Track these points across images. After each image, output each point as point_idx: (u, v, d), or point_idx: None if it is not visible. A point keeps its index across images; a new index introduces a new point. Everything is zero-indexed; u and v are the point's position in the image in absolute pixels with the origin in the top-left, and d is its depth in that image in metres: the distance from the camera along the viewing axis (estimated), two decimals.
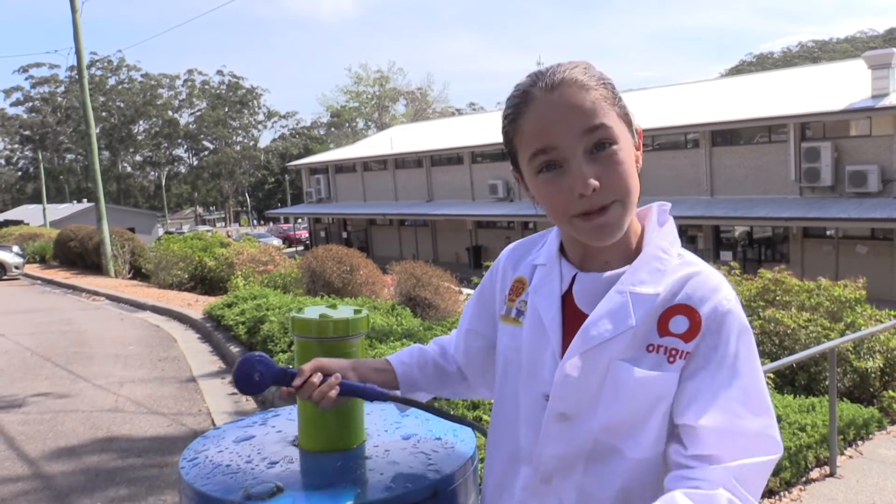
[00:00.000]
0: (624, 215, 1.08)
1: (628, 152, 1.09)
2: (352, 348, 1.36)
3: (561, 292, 1.17)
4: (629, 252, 1.16)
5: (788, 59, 74.03)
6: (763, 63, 75.90)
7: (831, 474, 4.64)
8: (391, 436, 1.43)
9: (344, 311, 1.39)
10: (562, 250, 1.22)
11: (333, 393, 1.20)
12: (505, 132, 1.15)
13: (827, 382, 5.13)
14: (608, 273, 1.14)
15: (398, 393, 1.33)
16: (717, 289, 1.10)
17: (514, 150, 1.14)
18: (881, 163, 19.47)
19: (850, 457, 5.01)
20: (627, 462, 1.09)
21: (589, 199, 1.05)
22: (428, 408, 1.31)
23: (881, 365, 6.04)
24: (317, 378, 1.20)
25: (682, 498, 0.96)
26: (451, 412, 1.35)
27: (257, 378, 1.22)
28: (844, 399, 5.81)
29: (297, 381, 1.21)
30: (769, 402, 1.07)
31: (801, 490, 4.41)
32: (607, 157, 1.06)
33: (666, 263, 1.12)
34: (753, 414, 1.04)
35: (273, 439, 1.42)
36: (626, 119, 1.12)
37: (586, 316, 1.12)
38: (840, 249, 20.39)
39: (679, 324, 1.08)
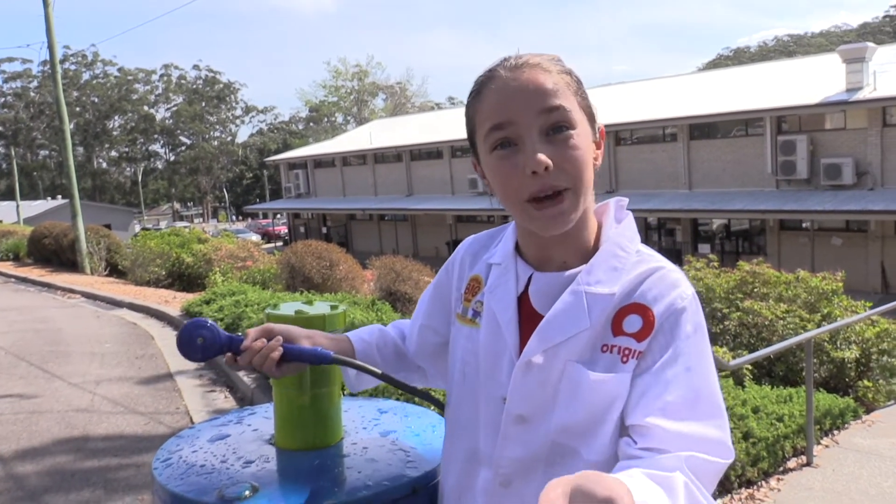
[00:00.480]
0: (576, 204, 1.07)
1: (586, 142, 1.08)
2: None
3: (517, 293, 1.15)
4: (586, 250, 1.14)
5: (765, 53, 74.72)
6: (740, 57, 76.56)
7: (808, 464, 4.69)
8: (369, 433, 1.41)
9: (320, 306, 1.37)
10: (518, 249, 1.19)
11: (275, 355, 1.16)
12: (467, 109, 1.14)
13: (804, 373, 5.17)
14: (564, 273, 1.12)
15: (352, 373, 1.30)
16: (674, 286, 1.08)
17: (473, 128, 1.13)
18: (855, 156, 19.73)
19: (827, 446, 5.07)
20: (585, 464, 1.07)
21: (541, 179, 1.04)
22: (376, 373, 1.26)
23: (857, 355, 6.13)
24: (260, 343, 1.17)
25: (640, 474, 0.92)
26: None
27: (200, 343, 1.18)
28: (821, 389, 5.88)
29: (245, 346, 1.17)
30: (721, 403, 1.05)
31: (778, 479, 4.46)
32: (563, 141, 1.05)
33: (623, 261, 1.11)
34: (704, 416, 1.02)
35: (249, 438, 1.40)
36: (588, 112, 1.11)
37: (542, 317, 1.10)
38: (816, 241, 20.65)
39: (632, 323, 1.06)
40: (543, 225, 1.07)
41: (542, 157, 1.02)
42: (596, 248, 1.14)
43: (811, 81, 22.44)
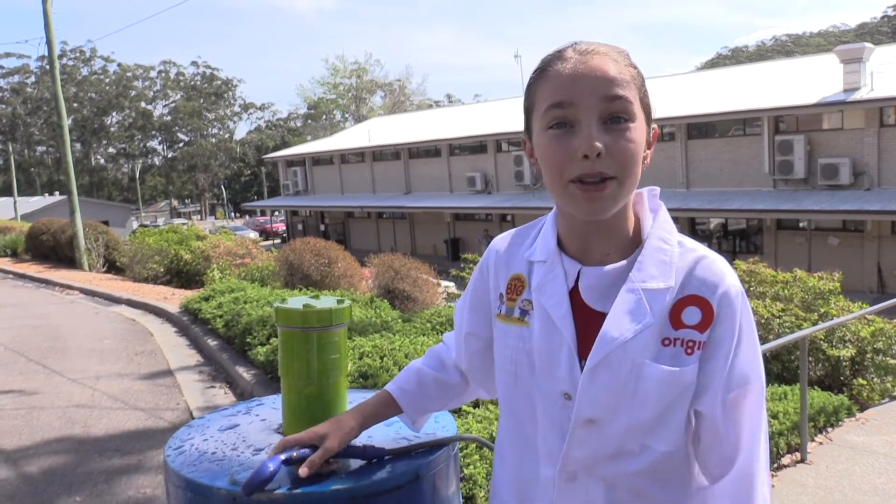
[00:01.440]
0: (619, 195, 1.08)
1: (640, 137, 1.10)
2: (335, 337, 1.37)
3: (568, 289, 1.16)
4: (627, 242, 1.16)
5: (763, 53, 74.79)
6: (738, 56, 76.62)
7: (802, 460, 4.74)
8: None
9: (327, 301, 1.41)
10: (559, 244, 1.20)
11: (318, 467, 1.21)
12: (529, 86, 1.16)
13: (800, 371, 5.23)
14: (611, 266, 1.14)
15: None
16: (724, 274, 1.11)
17: (532, 103, 1.14)
18: (852, 156, 19.80)
19: (821, 443, 5.12)
20: (654, 454, 1.11)
21: (591, 163, 1.05)
22: (427, 444, 1.35)
23: (852, 354, 6.18)
24: (304, 472, 1.20)
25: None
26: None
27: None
28: (815, 387, 5.93)
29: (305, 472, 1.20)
30: (763, 374, 1.14)
31: (772, 475, 4.51)
32: (620, 132, 1.07)
33: (670, 254, 1.13)
34: (754, 392, 1.12)
35: (257, 427, 1.44)
36: (647, 111, 1.14)
37: (595, 311, 1.13)
38: (812, 241, 20.71)
39: (692, 315, 1.09)
40: (584, 208, 1.08)
41: (596, 143, 1.04)
42: (635, 239, 1.16)
43: (809, 81, 22.50)
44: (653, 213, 1.18)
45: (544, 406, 1.16)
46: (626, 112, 1.07)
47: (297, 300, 1.40)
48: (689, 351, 1.09)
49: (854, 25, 77.20)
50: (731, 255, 20.23)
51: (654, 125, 1.16)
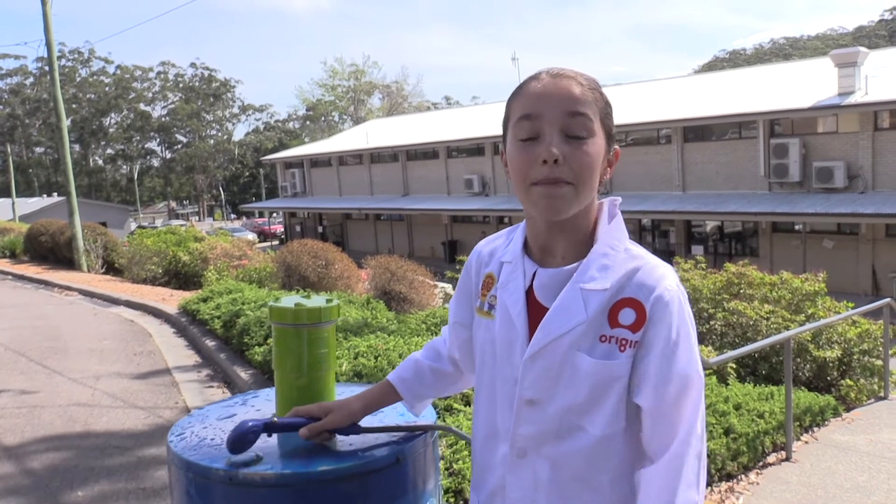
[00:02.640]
0: (574, 200, 1.22)
1: (597, 152, 1.24)
2: (324, 333, 1.49)
3: (525, 288, 1.30)
4: (583, 246, 1.29)
5: (761, 56, 75.05)
6: (736, 59, 76.87)
7: (787, 459, 4.84)
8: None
9: (317, 300, 1.52)
10: (526, 248, 1.35)
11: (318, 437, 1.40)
12: (508, 102, 1.30)
13: (785, 371, 5.34)
14: (562, 268, 1.27)
15: (407, 407, 1.53)
16: (661, 279, 1.24)
17: (507, 117, 1.29)
18: (847, 159, 19.94)
19: (806, 442, 5.23)
20: (590, 437, 1.24)
21: (549, 168, 1.19)
22: (411, 428, 1.48)
23: (839, 355, 6.29)
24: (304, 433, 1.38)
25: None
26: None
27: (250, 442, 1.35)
28: (802, 388, 6.04)
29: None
30: (700, 371, 1.25)
31: (757, 473, 4.62)
32: (578, 144, 1.21)
33: (613, 259, 1.26)
34: (690, 388, 1.23)
35: (252, 416, 1.55)
36: (608, 131, 1.28)
37: (546, 309, 1.26)
38: (808, 244, 20.85)
39: (627, 316, 1.22)
40: (542, 207, 1.21)
41: (554, 150, 1.18)
42: (590, 244, 1.29)
43: (804, 85, 22.64)
44: (609, 221, 1.31)
45: (502, 389, 1.31)
46: (585, 128, 1.22)
47: (289, 299, 1.51)
48: (621, 348, 1.22)
49: (851, 29, 77.50)
50: (728, 258, 20.36)
51: (615, 147, 1.31)
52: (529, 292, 1.30)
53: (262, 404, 1.63)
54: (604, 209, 1.32)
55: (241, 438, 1.29)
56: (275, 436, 1.43)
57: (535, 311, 1.28)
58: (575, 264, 1.27)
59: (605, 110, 1.27)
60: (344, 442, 1.41)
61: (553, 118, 1.21)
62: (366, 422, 1.46)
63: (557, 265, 1.29)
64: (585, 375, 1.22)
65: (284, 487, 1.27)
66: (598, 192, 1.29)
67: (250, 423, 1.31)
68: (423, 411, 1.55)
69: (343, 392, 1.63)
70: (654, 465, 1.23)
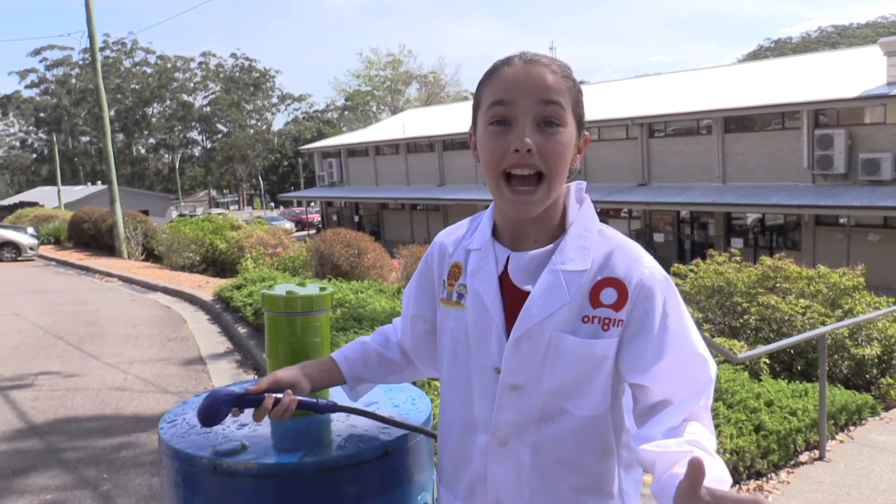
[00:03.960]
0: (547, 194, 1.21)
1: (569, 141, 1.21)
2: (317, 322, 1.46)
3: (498, 273, 1.27)
4: (553, 230, 1.27)
5: (807, 45, 73.12)
6: (781, 48, 75.06)
7: (820, 458, 4.71)
8: (353, 403, 1.53)
9: (311, 288, 1.50)
10: (495, 234, 1.32)
11: (292, 408, 1.29)
12: (478, 85, 1.28)
13: (819, 368, 5.19)
14: (537, 251, 1.25)
15: (346, 389, 1.45)
16: (639, 259, 1.22)
17: (479, 101, 1.27)
18: (895, 151, 19.33)
19: (841, 441, 5.08)
20: (575, 420, 1.22)
21: (521, 156, 1.17)
22: (371, 415, 1.40)
23: (878, 352, 6.10)
24: (270, 402, 1.28)
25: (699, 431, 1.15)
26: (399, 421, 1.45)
27: (223, 413, 1.28)
28: (839, 385, 5.87)
29: (255, 411, 1.28)
30: (701, 344, 1.22)
31: (789, 472, 4.50)
32: (551, 134, 1.19)
33: (589, 240, 1.24)
34: (689, 360, 1.20)
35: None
36: (579, 119, 1.25)
37: (523, 292, 1.23)
38: (852, 238, 20.29)
39: (609, 295, 1.21)
40: (513, 206, 1.21)
41: (528, 139, 1.17)
42: (561, 227, 1.28)
43: (851, 74, 21.99)
44: (578, 205, 1.30)
45: (479, 379, 1.28)
46: (558, 117, 1.20)
47: (282, 287, 1.49)
48: (605, 327, 1.21)
49: None
50: (768, 251, 19.89)
51: (585, 133, 1.28)
52: (503, 278, 1.28)
53: (231, 388, 1.61)
54: (571, 193, 1.31)
55: (212, 408, 1.25)
56: (265, 425, 1.41)
57: (510, 297, 1.26)
58: (551, 246, 1.26)
59: (577, 98, 1.25)
60: (333, 433, 1.39)
61: (526, 106, 1.19)
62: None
63: (531, 248, 1.27)
64: (571, 356, 1.21)
65: (268, 478, 1.25)
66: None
67: (223, 394, 1.27)
68: (361, 396, 1.49)
69: None
70: (648, 423, 1.19)
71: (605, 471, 1.24)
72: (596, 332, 1.20)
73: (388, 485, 1.34)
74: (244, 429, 1.39)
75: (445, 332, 1.35)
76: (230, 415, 1.28)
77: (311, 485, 1.26)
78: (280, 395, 1.28)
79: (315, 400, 1.33)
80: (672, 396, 1.18)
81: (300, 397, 1.32)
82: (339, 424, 1.42)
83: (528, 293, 1.23)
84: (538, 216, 1.24)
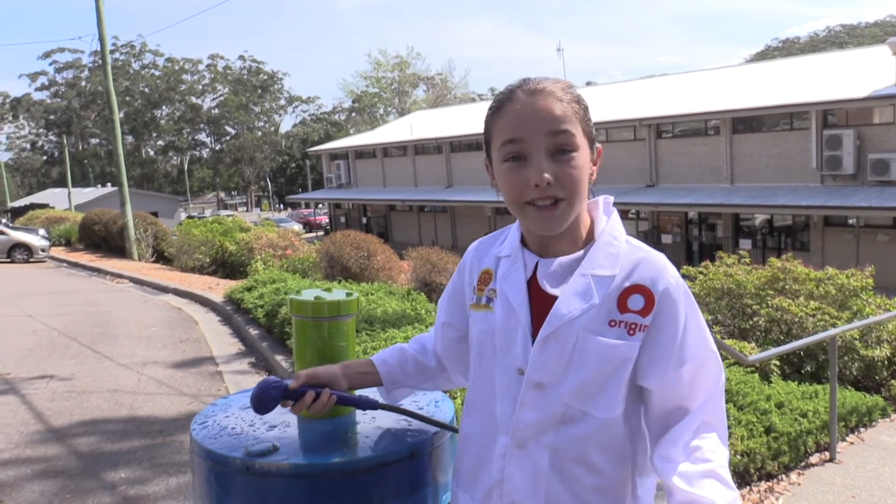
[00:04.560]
0: (569, 212, 1.26)
1: (584, 162, 1.27)
2: (344, 326, 1.51)
3: (526, 278, 1.33)
4: (580, 241, 1.33)
5: (815, 44, 72.84)
6: (789, 48, 74.78)
7: (831, 459, 4.72)
8: None
9: (337, 293, 1.54)
10: (523, 243, 1.37)
11: (326, 409, 1.36)
12: (487, 120, 1.33)
13: (830, 370, 5.20)
14: (567, 257, 1.31)
15: (383, 392, 1.52)
16: (665, 269, 1.28)
17: (490, 137, 1.32)
18: None
19: (852, 443, 5.09)
20: (595, 422, 1.26)
21: (541, 190, 1.23)
22: (408, 412, 1.47)
23: (888, 354, 6.10)
24: (309, 398, 1.36)
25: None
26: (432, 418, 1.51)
27: (272, 401, 1.36)
28: (849, 387, 5.88)
29: (294, 405, 1.36)
30: (713, 347, 1.30)
31: (799, 474, 4.51)
32: (565, 161, 1.24)
33: (618, 248, 1.30)
34: (706, 370, 1.27)
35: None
36: (590, 136, 1.30)
37: (550, 296, 1.29)
38: (861, 238, 20.22)
39: (636, 301, 1.26)
40: (539, 225, 1.27)
41: (545, 175, 1.22)
42: (588, 238, 1.33)
43: (860, 74, 21.92)
44: (606, 217, 1.35)
45: (502, 380, 1.33)
46: (570, 144, 1.25)
47: (310, 292, 1.54)
48: (631, 332, 1.26)
49: None
50: (777, 252, 19.86)
51: (597, 146, 1.33)
52: (532, 283, 1.33)
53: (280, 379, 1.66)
54: (599, 206, 1.37)
55: (263, 395, 1.31)
56: (293, 427, 1.46)
57: (537, 300, 1.31)
58: (580, 252, 1.31)
59: (585, 117, 1.30)
60: (360, 434, 1.43)
61: (538, 141, 1.24)
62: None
63: (559, 255, 1.33)
64: (595, 357, 1.26)
65: (299, 478, 1.29)
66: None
67: (273, 381, 1.33)
68: (398, 401, 1.54)
69: None
70: (670, 434, 1.26)
71: (620, 475, 1.28)
72: (622, 335, 1.25)
73: (415, 485, 1.38)
74: (274, 430, 1.43)
75: (474, 335, 1.40)
76: (280, 405, 1.34)
77: (340, 485, 1.30)
78: (320, 391, 1.34)
79: (357, 397, 1.38)
80: (689, 403, 1.25)
81: (342, 393, 1.37)
82: (366, 426, 1.47)
83: (555, 298, 1.28)
84: (563, 231, 1.29)
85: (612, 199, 1.39)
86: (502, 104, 1.29)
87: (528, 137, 1.24)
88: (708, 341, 1.29)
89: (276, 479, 1.29)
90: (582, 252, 1.31)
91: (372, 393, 1.52)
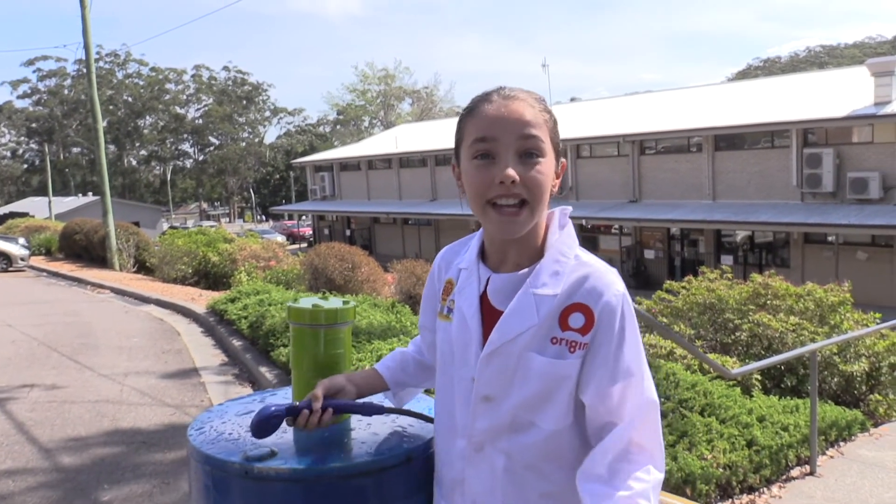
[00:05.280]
0: (530, 218, 1.30)
1: (549, 170, 1.32)
2: (340, 334, 1.53)
3: (479, 292, 1.38)
4: (535, 253, 1.37)
5: (796, 64, 73.94)
6: (770, 67, 75.84)
7: (811, 473, 4.78)
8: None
9: (334, 301, 1.57)
10: (482, 254, 1.42)
11: (326, 417, 1.39)
12: (459, 121, 1.38)
13: (810, 384, 5.27)
14: (514, 273, 1.35)
15: (390, 395, 1.57)
16: (608, 286, 1.31)
17: (461, 136, 1.36)
18: (882, 170, 19.59)
19: (832, 457, 5.15)
20: (543, 432, 1.32)
21: (506, 188, 1.27)
22: (413, 413, 1.52)
23: (866, 369, 6.19)
24: (313, 415, 1.38)
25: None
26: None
27: (273, 426, 1.37)
28: (829, 402, 5.96)
29: (300, 419, 1.39)
30: (644, 367, 1.33)
31: (780, 487, 4.56)
32: (532, 165, 1.29)
33: (564, 266, 1.33)
34: (636, 388, 1.30)
35: None
36: (556, 148, 1.35)
37: (499, 311, 1.34)
38: (840, 255, 20.51)
39: (577, 319, 1.30)
40: (499, 228, 1.30)
41: (511, 171, 1.26)
42: (541, 251, 1.36)
43: (839, 94, 22.30)
44: (560, 230, 1.39)
45: (459, 388, 1.39)
46: (538, 149, 1.30)
47: (307, 300, 1.56)
48: (571, 349, 1.31)
49: (890, 37, 76.00)
50: (758, 269, 20.08)
51: (562, 160, 1.38)
52: (484, 297, 1.38)
53: (280, 401, 1.66)
54: (554, 218, 1.40)
55: (265, 423, 1.33)
56: (290, 433, 1.48)
57: (488, 315, 1.36)
58: (527, 269, 1.35)
59: (554, 129, 1.35)
60: (357, 439, 1.45)
61: (508, 142, 1.28)
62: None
63: (510, 271, 1.36)
64: (537, 374, 1.30)
65: (297, 482, 1.31)
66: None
67: (272, 408, 1.35)
68: (405, 402, 1.60)
69: None
70: (594, 452, 1.30)
71: (569, 482, 1.32)
72: (562, 353, 1.30)
73: (411, 490, 1.41)
74: (271, 436, 1.45)
75: (438, 343, 1.47)
76: (284, 423, 1.37)
77: (338, 489, 1.32)
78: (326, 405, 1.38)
79: (360, 403, 1.42)
80: (618, 420, 1.28)
81: (347, 401, 1.42)
82: (363, 432, 1.49)
83: (502, 312, 1.33)
84: (521, 238, 1.33)
85: (569, 209, 1.42)
86: (477, 105, 1.34)
87: (500, 137, 1.28)
88: (641, 360, 1.32)
89: (275, 483, 1.31)
90: (528, 269, 1.34)
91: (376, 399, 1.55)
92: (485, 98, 1.33)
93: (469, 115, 1.34)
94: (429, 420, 1.54)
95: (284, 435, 1.46)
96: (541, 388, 1.30)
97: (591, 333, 1.30)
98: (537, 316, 1.30)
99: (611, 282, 1.32)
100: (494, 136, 1.28)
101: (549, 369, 1.30)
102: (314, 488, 1.32)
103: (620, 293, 1.32)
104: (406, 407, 1.59)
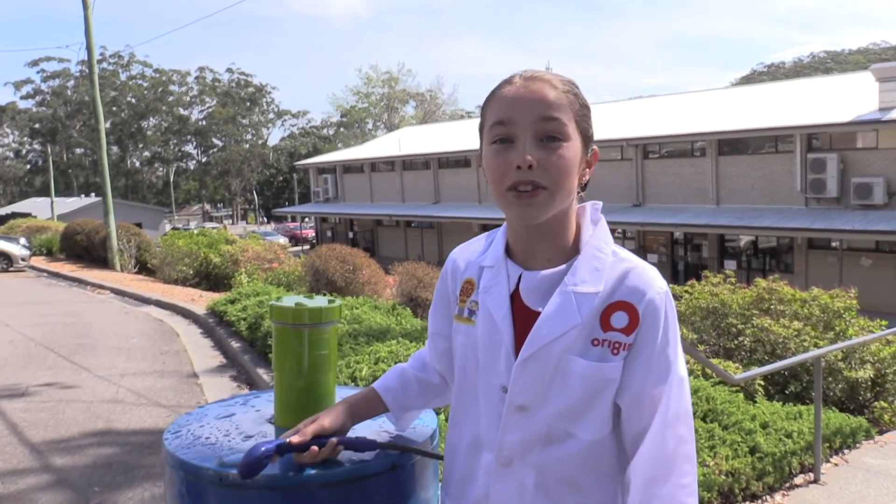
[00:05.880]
0: (550, 204, 1.19)
1: (573, 155, 1.21)
2: (325, 334, 1.46)
3: (509, 292, 1.27)
4: (567, 249, 1.27)
5: (800, 69, 73.93)
6: (774, 73, 75.82)
7: (815, 481, 4.70)
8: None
9: (318, 300, 1.50)
10: (507, 252, 1.31)
11: (338, 451, 1.31)
12: (483, 105, 1.28)
13: (815, 391, 5.19)
14: (550, 271, 1.24)
15: (392, 418, 1.45)
16: (651, 283, 1.22)
17: (483, 121, 1.27)
18: (887, 175, 19.50)
19: (836, 464, 5.07)
20: (580, 443, 1.21)
21: (523, 174, 1.17)
22: (410, 449, 1.38)
23: (871, 375, 6.11)
24: (316, 452, 1.27)
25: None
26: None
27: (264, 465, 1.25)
28: (833, 408, 5.88)
29: (305, 455, 1.28)
30: (686, 373, 1.25)
31: (783, 495, 4.48)
32: (553, 149, 1.19)
33: (602, 262, 1.24)
34: (678, 391, 1.22)
35: (251, 417, 1.53)
36: (584, 133, 1.24)
37: (533, 312, 1.23)
38: (844, 261, 20.40)
39: (620, 319, 1.20)
40: (518, 213, 1.20)
41: (528, 156, 1.16)
42: (576, 246, 1.27)
43: (844, 99, 22.22)
44: (593, 225, 1.29)
45: (485, 397, 1.27)
46: (560, 132, 1.19)
47: (290, 299, 1.49)
48: (614, 351, 1.21)
49: (894, 42, 75.94)
50: (761, 274, 19.98)
51: (593, 147, 1.28)
52: (515, 296, 1.27)
53: (263, 405, 1.61)
54: (586, 213, 1.31)
55: (255, 464, 1.22)
56: (270, 436, 1.41)
57: (520, 316, 1.25)
58: (563, 266, 1.25)
59: (581, 112, 1.24)
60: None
61: (526, 124, 1.19)
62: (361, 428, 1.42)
63: (542, 267, 1.26)
64: (578, 379, 1.20)
65: (275, 490, 1.24)
66: (578, 195, 1.27)
67: (263, 449, 1.23)
68: (408, 425, 1.48)
69: (343, 394, 1.60)
70: (636, 460, 1.22)
71: (606, 494, 1.24)
72: (605, 355, 1.20)
73: (395, 499, 1.33)
74: (250, 440, 1.38)
75: (457, 349, 1.34)
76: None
77: (317, 498, 1.25)
78: (324, 442, 1.28)
79: (355, 439, 1.31)
80: (659, 423, 1.20)
81: (346, 438, 1.31)
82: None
83: (539, 313, 1.23)
84: (547, 231, 1.24)
85: (600, 204, 1.33)
86: (498, 88, 1.25)
87: (518, 120, 1.19)
88: (681, 362, 1.24)
89: (251, 491, 1.23)
90: (565, 266, 1.24)
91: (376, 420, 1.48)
92: (507, 80, 1.25)
93: (490, 98, 1.26)
94: (438, 458, 1.43)
95: (264, 440, 1.39)
96: (583, 394, 1.21)
97: (635, 334, 1.21)
98: (579, 316, 1.20)
99: (653, 278, 1.23)
100: (512, 119, 1.19)
101: (592, 373, 1.20)
102: (292, 497, 1.24)
103: (664, 290, 1.23)
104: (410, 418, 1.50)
